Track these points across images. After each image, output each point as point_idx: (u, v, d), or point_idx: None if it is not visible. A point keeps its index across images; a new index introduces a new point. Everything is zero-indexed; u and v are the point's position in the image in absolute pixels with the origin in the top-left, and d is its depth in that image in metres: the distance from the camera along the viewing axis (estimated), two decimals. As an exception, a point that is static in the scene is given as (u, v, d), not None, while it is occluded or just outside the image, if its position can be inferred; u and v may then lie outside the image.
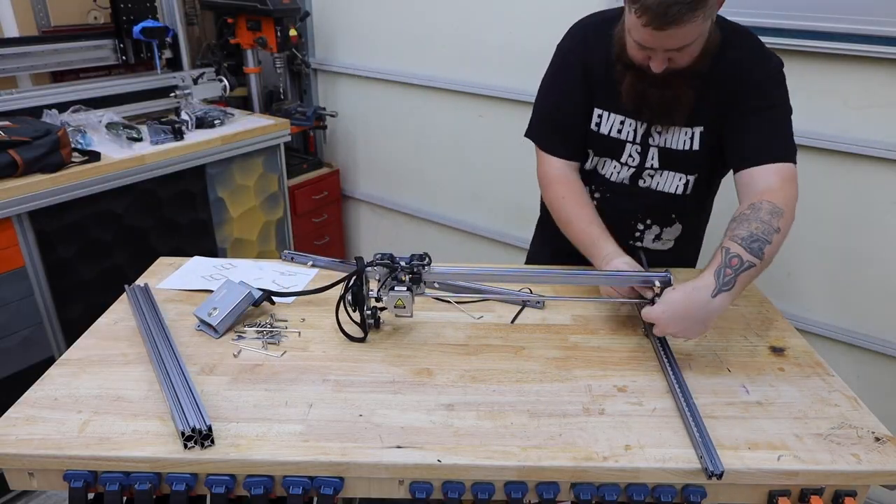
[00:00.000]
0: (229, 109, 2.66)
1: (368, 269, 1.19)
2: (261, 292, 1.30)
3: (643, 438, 1.00)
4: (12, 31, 2.44)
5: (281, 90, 3.06)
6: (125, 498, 0.96)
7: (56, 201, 1.98)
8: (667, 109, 1.32)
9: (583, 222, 1.38)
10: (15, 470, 0.97)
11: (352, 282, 1.20)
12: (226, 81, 2.72)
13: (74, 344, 1.22)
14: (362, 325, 1.23)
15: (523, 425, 1.02)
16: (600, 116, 1.41)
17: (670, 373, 1.13)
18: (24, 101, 2.29)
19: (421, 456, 0.95)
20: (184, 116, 2.44)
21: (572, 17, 2.22)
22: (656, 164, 1.41)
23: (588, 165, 1.48)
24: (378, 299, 1.21)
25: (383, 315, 1.27)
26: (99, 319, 1.31)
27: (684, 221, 1.49)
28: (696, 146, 1.36)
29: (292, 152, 3.14)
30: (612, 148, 1.42)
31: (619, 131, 1.40)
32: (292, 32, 2.76)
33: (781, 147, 1.28)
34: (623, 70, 1.31)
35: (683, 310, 1.12)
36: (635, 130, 1.39)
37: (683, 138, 1.37)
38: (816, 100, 1.88)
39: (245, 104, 2.99)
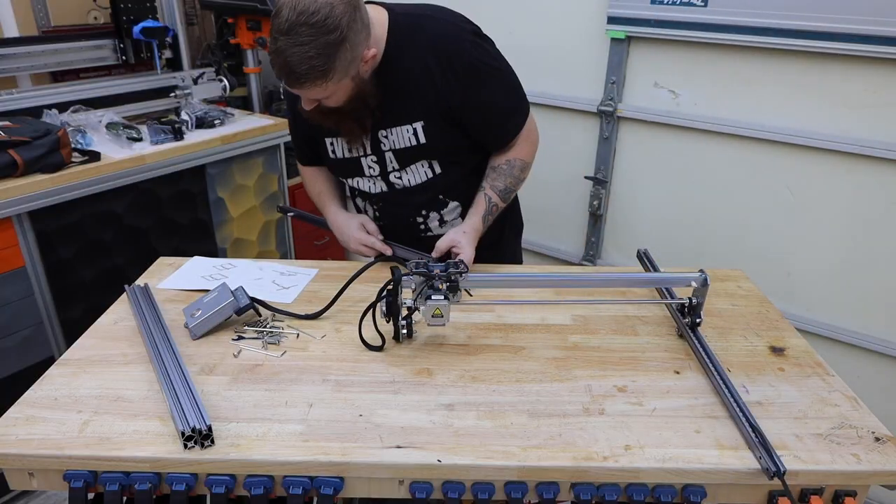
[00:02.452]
0: (229, 109, 2.66)
1: (404, 278, 1.17)
2: (249, 301, 1.28)
3: (643, 438, 1.00)
4: (12, 31, 2.44)
5: (281, 90, 3.06)
6: (125, 498, 0.96)
7: (56, 201, 1.98)
8: (340, 135, 1.43)
9: (314, 193, 1.65)
10: (15, 470, 0.97)
11: (386, 291, 1.18)
12: (226, 81, 2.72)
13: (74, 344, 1.22)
14: (396, 334, 1.22)
15: (523, 425, 1.02)
16: (331, 144, 1.48)
17: (715, 373, 1.12)
18: (24, 101, 2.29)
19: (421, 456, 0.95)
20: (184, 116, 2.44)
21: (573, 17, 2.23)
22: (396, 165, 1.45)
23: (350, 184, 1.56)
24: (413, 309, 1.18)
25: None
26: (99, 319, 1.31)
27: (458, 197, 1.51)
28: (422, 139, 1.40)
29: (292, 152, 3.14)
30: (352, 167, 1.49)
31: (350, 150, 1.46)
32: (292, 32, 2.75)
33: (520, 116, 1.47)
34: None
35: (473, 242, 1.40)
36: (363, 145, 1.43)
37: (407, 136, 1.40)
38: (816, 100, 1.88)
39: (245, 104, 2.99)
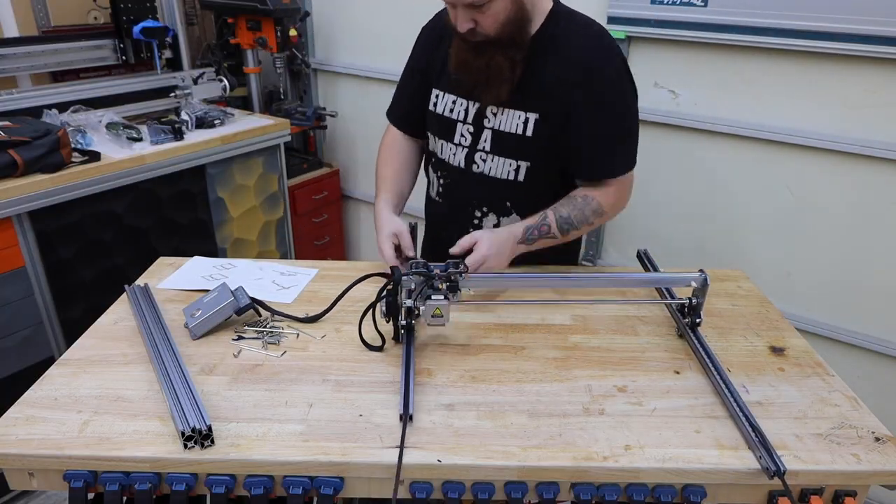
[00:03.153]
0: (229, 109, 2.66)
1: (403, 278, 1.16)
2: (249, 301, 1.27)
3: (643, 438, 1.00)
4: (12, 31, 2.44)
5: (281, 90, 3.06)
6: (125, 498, 0.96)
7: (56, 201, 1.98)
8: (487, 79, 1.32)
9: (381, 168, 1.56)
10: (15, 470, 0.97)
11: (386, 291, 1.18)
12: (226, 81, 2.71)
13: (74, 344, 1.22)
14: (396, 335, 1.22)
15: (523, 425, 1.02)
16: (437, 96, 1.47)
17: (715, 373, 1.13)
18: (24, 101, 2.29)
19: (421, 456, 0.95)
20: (184, 116, 2.44)
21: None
22: (488, 147, 1.41)
23: (434, 148, 1.53)
24: (415, 309, 1.18)
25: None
26: (99, 319, 1.31)
27: (521, 213, 1.45)
28: (528, 132, 1.36)
29: (292, 152, 3.14)
30: (446, 127, 1.46)
31: (451, 111, 1.44)
32: (292, 32, 2.76)
33: (623, 163, 1.40)
34: (451, 40, 1.35)
35: (498, 248, 1.30)
36: (466, 110, 1.42)
37: (516, 122, 1.37)
38: (816, 100, 1.89)
39: (245, 104, 2.99)
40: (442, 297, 1.16)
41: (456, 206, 1.52)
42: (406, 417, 1.00)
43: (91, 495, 0.99)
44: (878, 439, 1.00)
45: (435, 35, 1.47)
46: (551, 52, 1.32)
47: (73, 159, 2.05)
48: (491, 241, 1.28)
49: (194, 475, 0.95)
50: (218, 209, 2.51)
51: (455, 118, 1.43)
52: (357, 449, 0.96)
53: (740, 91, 2.00)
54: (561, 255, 1.52)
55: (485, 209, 1.49)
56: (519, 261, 1.42)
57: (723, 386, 1.09)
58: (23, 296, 1.98)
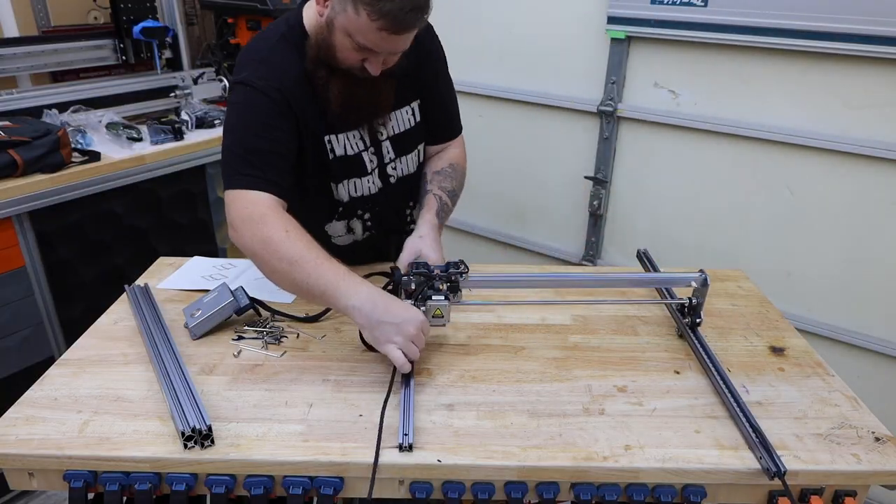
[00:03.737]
0: (229, 109, 2.66)
1: (404, 278, 1.16)
2: (248, 301, 1.28)
3: (643, 438, 0.99)
4: (12, 31, 2.44)
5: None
6: (125, 498, 0.96)
7: (56, 201, 1.98)
8: (375, 106, 1.32)
9: (320, 257, 1.12)
10: (15, 470, 0.97)
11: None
12: (226, 81, 2.71)
13: (74, 344, 1.22)
14: None
15: (523, 425, 1.02)
16: (330, 142, 1.31)
17: (715, 373, 1.13)
18: (24, 101, 2.29)
19: (421, 456, 0.95)
20: (184, 116, 2.44)
21: (573, 17, 2.23)
22: (392, 155, 1.42)
23: (342, 196, 1.38)
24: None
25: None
26: (99, 319, 1.31)
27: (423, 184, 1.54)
28: (417, 118, 1.43)
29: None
30: (353, 165, 1.36)
31: (353, 146, 1.35)
32: (292, 32, 2.76)
33: (459, 122, 1.54)
34: (327, 76, 1.23)
35: (437, 244, 1.35)
36: (362, 138, 1.36)
37: (407, 117, 1.41)
38: (816, 100, 1.88)
39: (245, 104, 2.98)
40: (442, 297, 1.16)
41: (389, 223, 1.50)
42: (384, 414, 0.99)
43: (91, 495, 0.99)
44: (878, 439, 1.00)
45: (286, 89, 1.23)
46: None
47: (73, 159, 2.05)
48: (427, 241, 1.34)
49: (194, 475, 0.95)
50: (218, 209, 2.51)
51: (358, 150, 1.36)
52: (357, 449, 0.96)
53: (740, 91, 2.00)
54: None
55: (411, 203, 1.54)
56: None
57: (723, 386, 1.09)
58: (23, 296, 1.98)
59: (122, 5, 2.55)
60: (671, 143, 2.18)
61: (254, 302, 1.29)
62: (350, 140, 1.35)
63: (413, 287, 1.16)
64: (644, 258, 1.49)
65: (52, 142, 1.96)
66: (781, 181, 2.01)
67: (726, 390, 1.08)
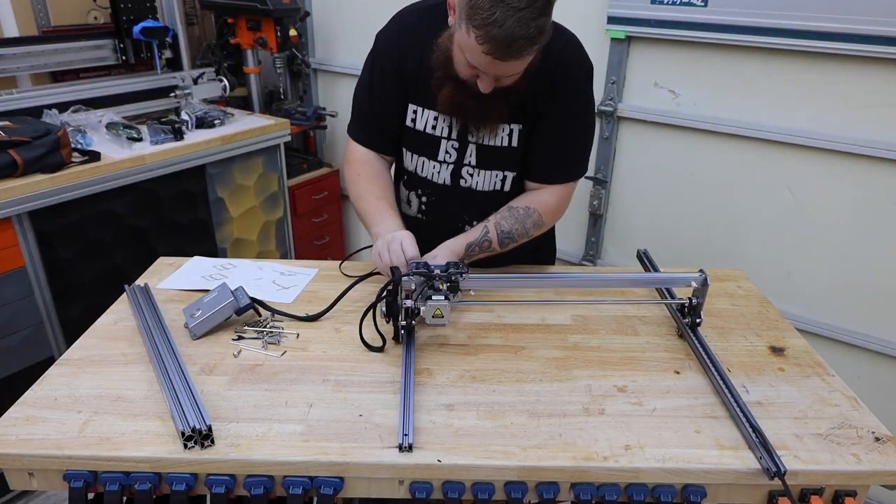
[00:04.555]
0: (229, 109, 2.66)
1: (404, 278, 1.16)
2: (248, 301, 1.28)
3: (643, 438, 1.00)
4: (12, 31, 2.44)
5: (281, 90, 3.06)
6: (125, 498, 0.96)
7: (56, 201, 1.97)
8: (482, 119, 1.33)
9: (372, 196, 1.39)
10: (15, 470, 0.97)
11: (386, 292, 1.18)
12: (226, 81, 2.71)
13: (74, 344, 1.22)
14: (396, 335, 1.22)
15: (523, 425, 1.02)
16: (415, 112, 1.39)
17: (715, 374, 1.13)
18: (24, 101, 2.29)
19: (421, 456, 0.95)
20: (184, 116, 2.44)
21: (573, 17, 2.23)
22: (474, 162, 1.40)
23: (410, 166, 1.46)
24: (415, 310, 1.17)
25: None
26: (99, 319, 1.31)
27: None
28: (514, 143, 1.37)
29: (292, 152, 3.14)
30: (427, 144, 1.40)
31: (434, 127, 1.38)
32: (292, 32, 2.76)
33: (571, 169, 1.42)
34: (443, 78, 1.28)
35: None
36: (450, 126, 1.37)
37: (501, 135, 1.36)
38: (816, 100, 1.89)
39: (245, 104, 2.99)
40: (442, 297, 1.16)
41: (442, 221, 1.48)
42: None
43: (91, 495, 0.99)
44: (878, 439, 1.00)
45: (399, 48, 1.36)
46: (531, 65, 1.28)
47: (73, 159, 2.05)
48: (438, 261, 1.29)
49: (194, 475, 0.95)
50: (218, 209, 2.51)
51: (439, 135, 1.38)
52: (357, 449, 0.96)
53: (740, 91, 2.00)
54: (531, 253, 1.52)
55: (474, 222, 1.48)
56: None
57: (723, 386, 1.09)
58: (23, 296, 1.98)
59: (122, 5, 2.55)
60: (671, 143, 2.18)
61: (254, 302, 1.29)
62: (435, 121, 1.37)
63: (413, 287, 1.16)
64: (644, 258, 1.49)
65: (52, 142, 1.96)
66: (781, 181, 2.02)
67: (726, 390, 1.08)
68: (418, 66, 1.34)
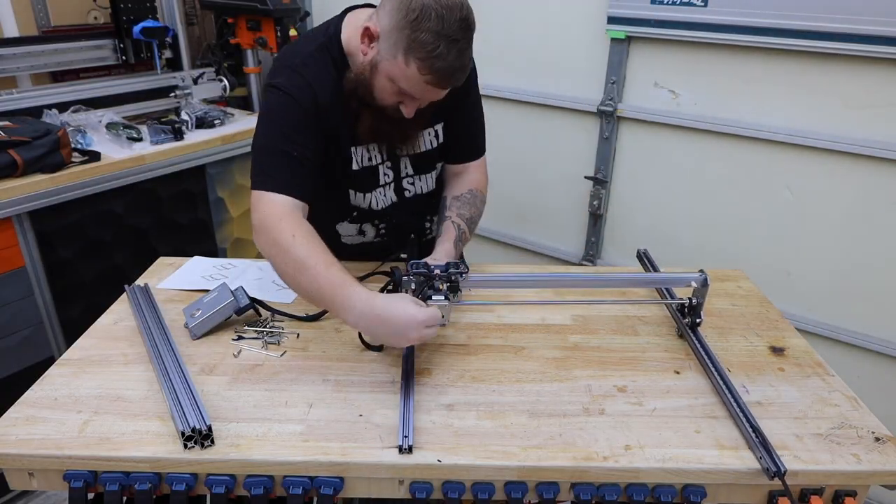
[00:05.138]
0: (229, 109, 2.66)
1: (404, 278, 1.15)
2: (248, 301, 1.28)
3: (643, 438, 1.00)
4: (12, 31, 2.44)
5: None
6: (125, 498, 0.96)
7: (56, 201, 1.98)
8: (403, 140, 1.37)
9: (321, 265, 1.12)
10: (15, 470, 0.97)
11: (386, 291, 1.18)
12: (226, 81, 2.72)
13: (74, 344, 1.22)
14: None
15: (523, 425, 1.02)
16: (355, 153, 1.35)
17: (715, 373, 1.13)
18: (24, 101, 2.29)
19: (421, 456, 0.95)
20: (184, 116, 2.44)
21: (573, 17, 2.23)
22: (410, 171, 1.43)
23: (358, 203, 1.42)
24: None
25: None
26: (99, 319, 1.31)
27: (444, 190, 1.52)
28: (441, 139, 1.42)
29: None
30: (370, 177, 1.39)
31: (370, 159, 1.38)
32: (292, 32, 2.76)
33: (483, 145, 1.51)
34: (357, 109, 1.27)
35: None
36: (380, 151, 1.39)
37: (429, 139, 1.41)
38: (816, 100, 1.89)
39: (245, 104, 2.99)
40: (442, 297, 1.16)
41: (405, 233, 1.51)
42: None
43: (91, 495, 0.99)
44: (878, 439, 1.00)
45: (316, 98, 1.25)
46: None
47: (73, 159, 2.05)
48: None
49: (194, 475, 0.95)
50: (218, 209, 2.51)
51: (375, 164, 1.39)
52: (357, 449, 0.96)
53: (740, 91, 2.00)
54: None
55: (429, 217, 1.53)
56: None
57: (723, 386, 1.09)
58: (23, 296, 1.98)
59: (122, 5, 2.55)
60: (671, 143, 2.18)
61: (254, 302, 1.29)
62: (369, 152, 1.38)
63: (413, 287, 1.16)
64: (644, 258, 1.49)
65: (52, 142, 1.96)
66: (781, 181, 2.02)
67: (726, 390, 1.08)
68: (336, 107, 1.27)
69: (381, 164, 1.40)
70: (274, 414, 1.03)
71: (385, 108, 1.24)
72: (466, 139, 1.47)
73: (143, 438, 0.98)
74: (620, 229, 2.41)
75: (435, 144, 1.42)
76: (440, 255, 1.32)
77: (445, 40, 1.09)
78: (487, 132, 1.51)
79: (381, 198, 1.43)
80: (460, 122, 1.43)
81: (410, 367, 1.12)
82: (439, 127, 1.40)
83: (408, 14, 1.10)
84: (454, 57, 1.11)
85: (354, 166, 1.36)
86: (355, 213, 1.45)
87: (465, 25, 1.11)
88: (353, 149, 1.35)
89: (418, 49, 1.10)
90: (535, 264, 2.62)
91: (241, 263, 1.55)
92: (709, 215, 2.19)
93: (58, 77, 2.58)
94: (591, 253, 2.48)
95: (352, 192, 1.40)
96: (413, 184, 1.45)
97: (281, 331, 1.27)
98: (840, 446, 0.99)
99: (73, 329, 1.76)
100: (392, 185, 1.43)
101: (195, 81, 2.63)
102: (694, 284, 1.21)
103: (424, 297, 1.15)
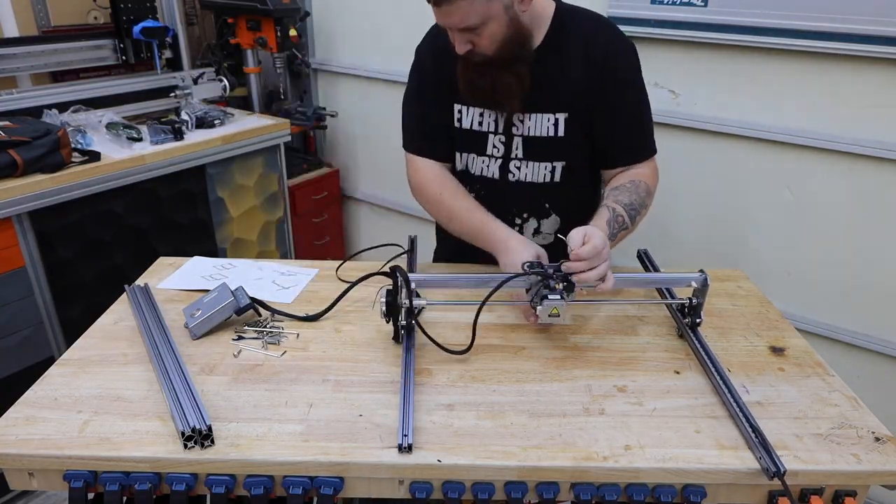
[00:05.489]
0: (229, 109, 2.66)
1: (521, 277, 1.16)
2: (248, 301, 1.28)
3: (643, 438, 1.00)
4: (12, 31, 2.44)
5: (281, 90, 3.06)
6: (125, 498, 0.96)
7: (56, 201, 1.98)
8: (494, 97, 1.34)
9: (465, 212, 1.38)
10: (15, 470, 0.97)
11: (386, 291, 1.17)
12: (226, 81, 2.71)
13: (74, 344, 1.22)
14: (396, 335, 1.22)
15: (523, 425, 1.02)
16: (460, 111, 1.42)
17: (715, 373, 1.13)
18: (24, 101, 2.29)
19: (421, 456, 0.95)
20: (184, 116, 2.44)
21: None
22: (521, 154, 1.41)
23: (459, 165, 1.48)
24: (415, 310, 1.17)
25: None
26: (99, 319, 1.31)
27: (561, 213, 1.48)
28: (560, 132, 1.37)
29: (292, 152, 3.14)
30: (475, 141, 1.42)
31: (480, 123, 1.40)
32: (292, 32, 2.76)
33: (649, 144, 1.43)
34: (455, 62, 1.32)
35: (601, 247, 1.12)
36: (496, 121, 1.39)
37: (546, 125, 1.37)
38: (816, 100, 1.89)
39: (245, 104, 2.99)
40: (558, 296, 1.14)
41: (494, 215, 1.46)
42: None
43: (91, 495, 0.99)
44: (878, 439, 1.00)
45: (436, 52, 1.40)
46: (565, 52, 1.32)
47: (73, 159, 2.05)
48: (602, 237, 1.15)
49: (194, 475, 0.95)
50: (218, 209, 2.51)
51: (486, 130, 1.41)
52: (357, 449, 0.96)
53: (740, 91, 2.00)
54: None
55: (525, 215, 1.49)
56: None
57: (723, 386, 1.09)
58: (23, 296, 1.98)
59: (122, 5, 2.55)
60: (671, 143, 2.18)
61: (254, 302, 1.29)
62: (481, 117, 1.39)
63: (529, 287, 1.17)
64: (644, 258, 1.49)
65: (52, 142, 1.96)
66: (781, 181, 2.02)
67: (726, 390, 1.08)
68: (455, 66, 1.35)
69: (491, 134, 1.40)
70: (274, 414, 1.03)
71: (463, 56, 1.26)
72: (621, 141, 1.39)
73: (143, 438, 0.98)
74: (620, 229, 2.41)
75: (552, 133, 1.36)
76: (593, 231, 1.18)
77: None
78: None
79: (485, 167, 1.44)
80: (616, 126, 1.36)
81: (410, 367, 1.12)
82: (562, 116, 1.35)
83: None
84: None
85: (459, 124, 1.42)
86: (459, 175, 1.48)
87: None
88: (459, 107, 1.41)
89: None
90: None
91: (241, 263, 1.55)
92: (709, 215, 2.19)
93: (58, 77, 2.58)
94: (591, 253, 2.47)
95: (458, 154, 1.47)
96: (520, 169, 1.42)
97: (281, 331, 1.27)
98: (840, 446, 0.99)
99: (73, 329, 1.76)
100: (500, 160, 1.42)
101: (195, 81, 2.63)
102: (694, 284, 1.21)
103: (540, 296, 1.15)
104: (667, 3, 2.00)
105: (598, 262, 1.12)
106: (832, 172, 1.92)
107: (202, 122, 2.46)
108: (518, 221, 1.50)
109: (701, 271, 1.20)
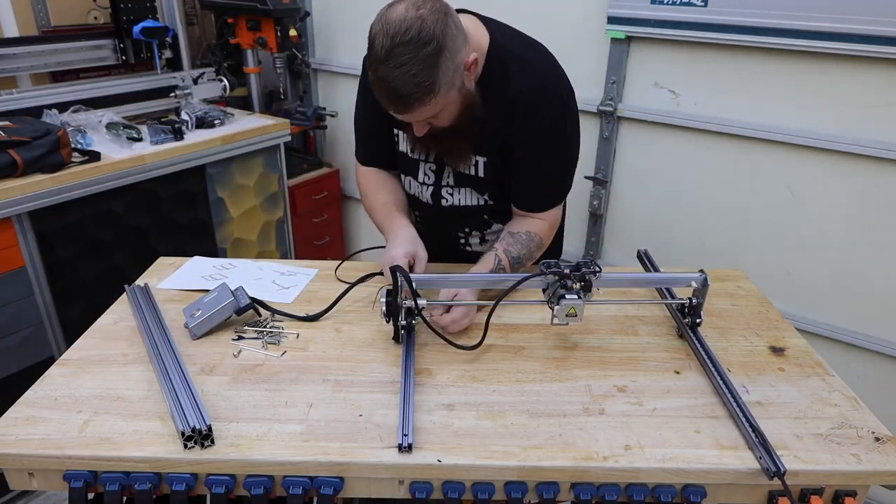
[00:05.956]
0: (229, 109, 2.66)
1: (539, 277, 1.17)
2: (248, 301, 1.28)
3: (643, 438, 1.00)
4: (12, 31, 2.44)
5: (281, 90, 3.06)
6: (125, 498, 0.96)
7: (56, 201, 1.97)
8: (450, 155, 1.37)
9: (378, 205, 1.46)
10: (15, 470, 0.97)
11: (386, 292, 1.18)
12: (226, 81, 2.71)
13: (74, 344, 1.22)
14: (396, 335, 1.22)
15: (523, 425, 1.02)
16: (397, 135, 1.44)
17: (715, 373, 1.13)
18: (24, 101, 2.29)
19: (421, 456, 0.95)
20: (184, 116, 2.44)
21: (573, 17, 2.23)
22: (452, 182, 1.43)
23: (403, 185, 1.51)
24: (417, 310, 1.17)
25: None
26: (99, 319, 1.31)
27: (504, 220, 1.47)
28: (481, 173, 1.38)
29: (292, 152, 3.14)
30: (410, 166, 1.45)
31: (412, 151, 1.42)
32: (292, 32, 2.76)
33: (549, 198, 1.42)
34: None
35: (459, 318, 1.25)
36: (426, 153, 1.41)
37: (470, 164, 1.38)
38: (816, 100, 1.88)
39: (245, 104, 2.99)
40: (575, 296, 1.14)
41: (438, 233, 1.52)
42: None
43: (91, 495, 0.99)
44: (878, 439, 1.00)
45: None
46: (488, 94, 1.28)
47: (73, 159, 2.05)
48: (463, 312, 1.26)
49: (194, 475, 0.95)
50: (218, 209, 2.51)
51: (417, 158, 1.42)
52: (357, 449, 0.96)
53: (740, 91, 2.00)
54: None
55: (466, 230, 1.51)
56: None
57: (723, 386, 1.09)
58: (23, 296, 1.98)
59: (122, 5, 2.55)
60: (671, 143, 2.18)
61: (254, 302, 1.29)
62: (414, 143, 1.39)
63: (546, 287, 1.17)
64: (644, 258, 1.49)
65: (52, 142, 1.96)
66: (781, 181, 2.02)
67: (726, 390, 1.08)
68: None
69: (423, 162, 1.42)
70: (274, 414, 1.03)
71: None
72: (526, 189, 1.40)
73: (143, 438, 0.98)
74: (621, 229, 2.41)
75: (474, 172, 1.38)
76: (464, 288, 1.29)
77: (383, 66, 1.09)
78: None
79: (420, 192, 1.46)
80: (522, 170, 1.36)
81: (410, 367, 1.12)
82: (481, 160, 1.36)
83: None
84: (395, 82, 1.09)
85: (397, 146, 1.45)
86: (408, 198, 1.52)
87: (388, 52, 1.08)
88: (397, 132, 1.43)
89: (367, 74, 1.16)
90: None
91: (241, 263, 1.55)
92: (709, 215, 2.19)
93: (58, 77, 2.58)
94: (592, 253, 2.47)
95: (401, 175, 1.51)
96: (452, 194, 1.44)
97: (281, 331, 1.27)
98: (840, 446, 0.99)
99: (73, 329, 1.76)
100: (431, 187, 1.44)
101: (195, 81, 2.63)
102: (694, 284, 1.21)
103: (557, 296, 1.15)
104: (667, 3, 1.99)
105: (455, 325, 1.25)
106: (832, 172, 1.92)
107: (202, 122, 2.46)
108: (462, 237, 1.52)
109: (701, 271, 1.20)
